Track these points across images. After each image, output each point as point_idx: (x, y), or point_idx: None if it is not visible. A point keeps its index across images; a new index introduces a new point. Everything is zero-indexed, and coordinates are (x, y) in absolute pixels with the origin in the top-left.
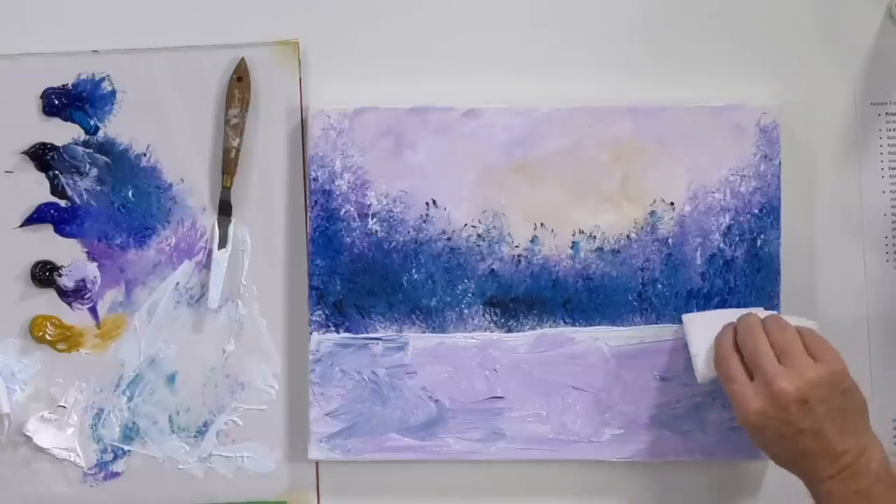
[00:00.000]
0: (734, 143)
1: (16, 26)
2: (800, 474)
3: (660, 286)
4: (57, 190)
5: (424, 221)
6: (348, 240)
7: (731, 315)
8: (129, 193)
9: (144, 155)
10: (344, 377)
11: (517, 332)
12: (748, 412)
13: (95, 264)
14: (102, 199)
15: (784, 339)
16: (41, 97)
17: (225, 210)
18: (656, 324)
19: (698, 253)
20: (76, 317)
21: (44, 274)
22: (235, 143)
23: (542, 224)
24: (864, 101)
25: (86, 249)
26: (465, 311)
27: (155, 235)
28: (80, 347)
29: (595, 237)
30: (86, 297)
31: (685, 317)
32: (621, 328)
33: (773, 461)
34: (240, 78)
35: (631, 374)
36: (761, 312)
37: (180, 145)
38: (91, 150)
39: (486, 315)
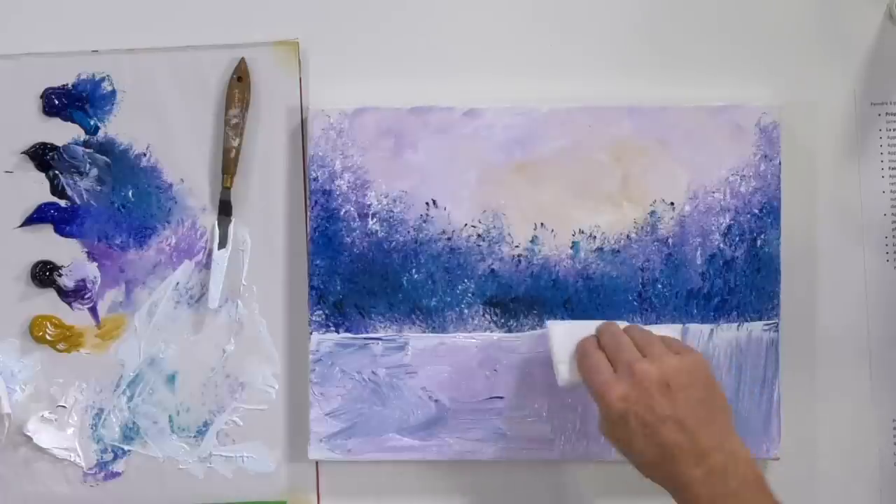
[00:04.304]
0: (734, 143)
1: (16, 26)
2: (667, 480)
3: (660, 286)
4: (57, 190)
5: (424, 221)
6: (348, 240)
7: (593, 325)
8: (129, 193)
9: (144, 155)
10: (344, 377)
11: (517, 332)
12: (612, 398)
13: (95, 264)
14: (102, 199)
15: (645, 338)
16: (41, 97)
17: (225, 210)
18: (656, 324)
19: (698, 253)
20: (76, 317)
21: (44, 274)
22: (235, 143)
23: (542, 224)
24: (864, 101)
25: (86, 249)
26: (465, 311)
27: (155, 235)
28: (80, 347)
29: (595, 237)
30: (86, 297)
31: (549, 323)
32: None
33: (640, 469)
34: (240, 78)
35: None
36: (622, 324)
37: (180, 145)
38: (91, 150)
39: (486, 315)
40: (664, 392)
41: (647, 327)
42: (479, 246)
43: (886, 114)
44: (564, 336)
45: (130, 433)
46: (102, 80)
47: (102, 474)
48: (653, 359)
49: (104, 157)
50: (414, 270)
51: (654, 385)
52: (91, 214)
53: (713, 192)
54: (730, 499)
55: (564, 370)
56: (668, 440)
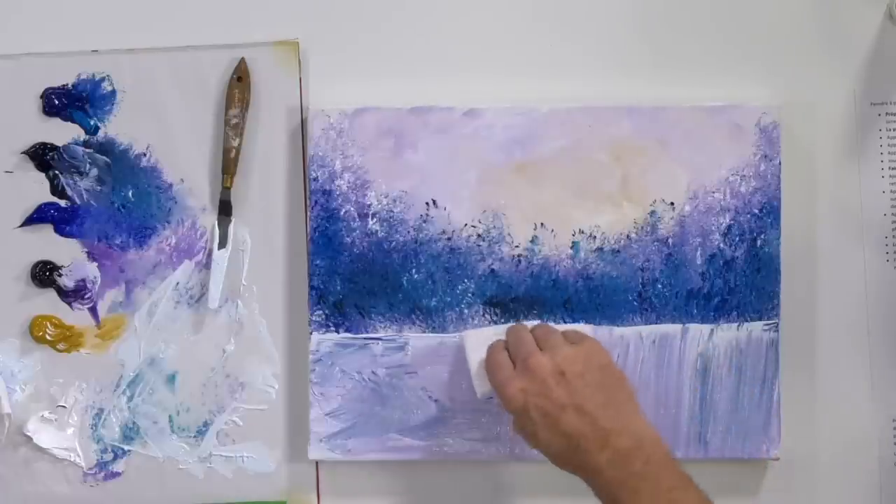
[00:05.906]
0: (734, 143)
1: (16, 26)
2: (578, 469)
3: (660, 286)
4: (57, 190)
5: (424, 221)
6: (348, 240)
7: (504, 329)
8: (129, 193)
9: (144, 155)
10: (344, 377)
11: None
12: (510, 392)
13: (95, 264)
14: (102, 199)
15: (545, 333)
16: (41, 97)
17: (225, 210)
18: (656, 324)
19: (698, 253)
20: (76, 317)
21: (44, 274)
22: (235, 143)
23: (542, 224)
24: (864, 101)
25: (86, 249)
26: (465, 311)
27: (155, 235)
28: (80, 347)
29: (595, 237)
30: (86, 297)
31: (462, 334)
32: (621, 328)
33: (553, 461)
34: (240, 78)
35: (631, 374)
36: (531, 324)
37: (180, 145)
38: (91, 150)
39: (487, 315)
40: (559, 380)
41: (558, 326)
42: (479, 246)
43: (886, 114)
44: (477, 345)
45: (130, 433)
46: (102, 80)
47: (102, 474)
48: (546, 350)
49: (104, 157)
50: (414, 270)
51: (549, 374)
52: (91, 214)
53: (713, 192)
54: (639, 479)
55: (478, 381)
56: (570, 427)
